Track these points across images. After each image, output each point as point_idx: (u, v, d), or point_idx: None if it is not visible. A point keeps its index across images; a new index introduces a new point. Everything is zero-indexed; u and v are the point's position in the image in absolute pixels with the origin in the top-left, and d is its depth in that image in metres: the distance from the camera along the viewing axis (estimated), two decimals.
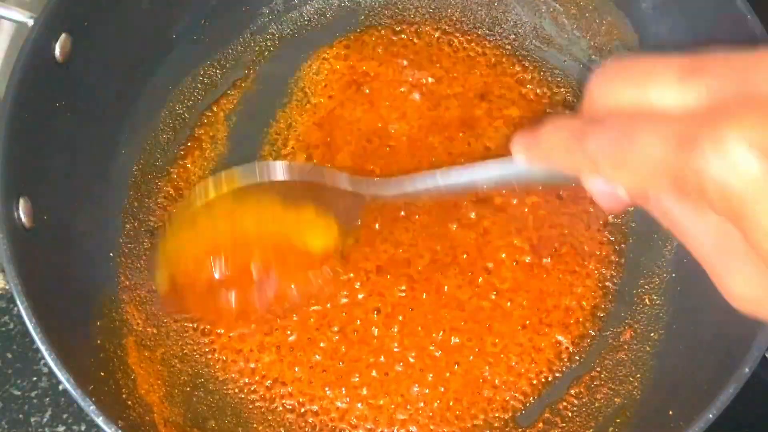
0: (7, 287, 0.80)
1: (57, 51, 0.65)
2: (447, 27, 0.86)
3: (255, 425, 0.71)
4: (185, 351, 0.73)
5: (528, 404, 0.71)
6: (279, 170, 0.61)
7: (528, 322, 0.74)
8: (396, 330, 0.73)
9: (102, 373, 0.64)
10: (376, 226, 0.74)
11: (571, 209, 0.77)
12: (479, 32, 0.86)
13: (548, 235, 0.76)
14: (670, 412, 0.60)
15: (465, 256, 0.75)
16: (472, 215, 0.76)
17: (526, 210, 0.77)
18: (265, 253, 0.63)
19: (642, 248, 0.76)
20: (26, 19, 0.64)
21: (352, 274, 0.73)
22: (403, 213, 0.75)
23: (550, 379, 0.72)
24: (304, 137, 0.81)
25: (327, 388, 0.72)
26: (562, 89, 0.83)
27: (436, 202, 0.75)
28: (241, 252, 0.63)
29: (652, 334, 0.71)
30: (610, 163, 0.35)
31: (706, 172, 0.30)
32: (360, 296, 0.74)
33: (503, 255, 0.75)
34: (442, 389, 0.72)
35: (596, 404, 0.71)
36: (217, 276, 0.63)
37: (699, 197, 0.31)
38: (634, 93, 0.36)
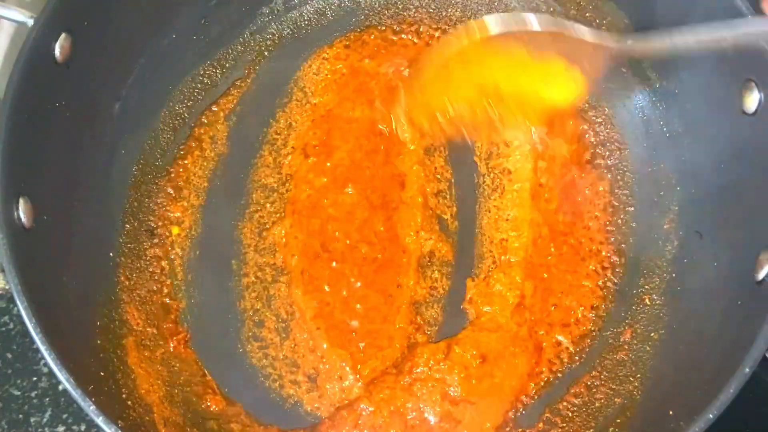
0: (7, 287, 0.80)
1: (57, 51, 0.65)
2: (447, 27, 0.86)
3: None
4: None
5: (528, 405, 0.72)
6: (529, 20, 0.62)
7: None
8: None
9: (102, 373, 0.64)
10: None
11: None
12: None
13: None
14: (670, 412, 0.60)
15: None
16: None
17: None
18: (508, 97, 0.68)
19: (642, 248, 0.76)
20: (26, 19, 0.64)
21: None
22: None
23: (550, 379, 0.72)
24: (304, 136, 0.82)
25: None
26: None
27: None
28: (484, 93, 0.68)
29: (652, 334, 0.71)
30: None
31: None
32: None
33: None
34: None
35: (596, 404, 0.71)
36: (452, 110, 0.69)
37: None
38: None
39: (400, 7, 0.87)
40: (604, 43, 0.63)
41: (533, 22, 0.62)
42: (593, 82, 0.66)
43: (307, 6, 0.87)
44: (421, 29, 0.86)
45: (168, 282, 0.76)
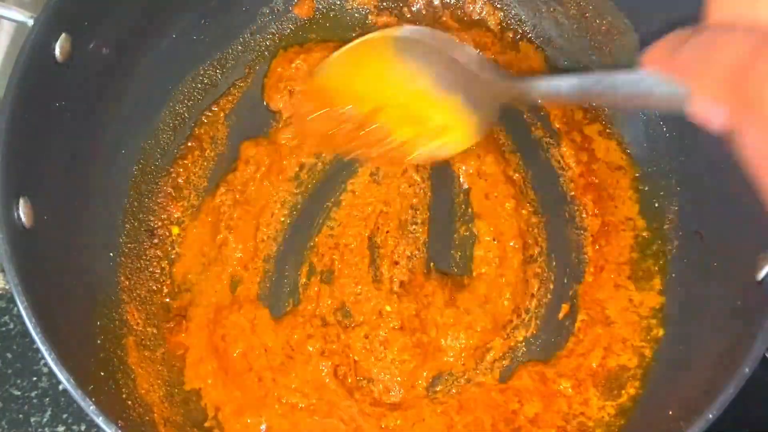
0: (7, 287, 0.80)
1: (57, 51, 0.65)
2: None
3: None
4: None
5: None
6: (436, 36, 0.63)
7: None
8: None
9: (102, 373, 0.64)
10: None
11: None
12: None
13: None
14: (670, 412, 0.60)
15: None
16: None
17: None
18: (399, 116, 0.67)
19: (642, 248, 0.76)
20: (26, 19, 0.64)
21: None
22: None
23: None
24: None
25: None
26: None
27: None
28: (380, 104, 0.68)
29: (652, 334, 0.71)
30: (697, 71, 0.38)
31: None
32: None
33: None
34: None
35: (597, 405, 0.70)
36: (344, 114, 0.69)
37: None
38: (755, 7, 0.38)
39: (400, 6, 0.87)
40: (498, 81, 0.62)
41: (439, 37, 0.63)
42: (481, 134, 0.67)
43: (308, 6, 0.86)
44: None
45: (168, 282, 0.76)
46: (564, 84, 0.55)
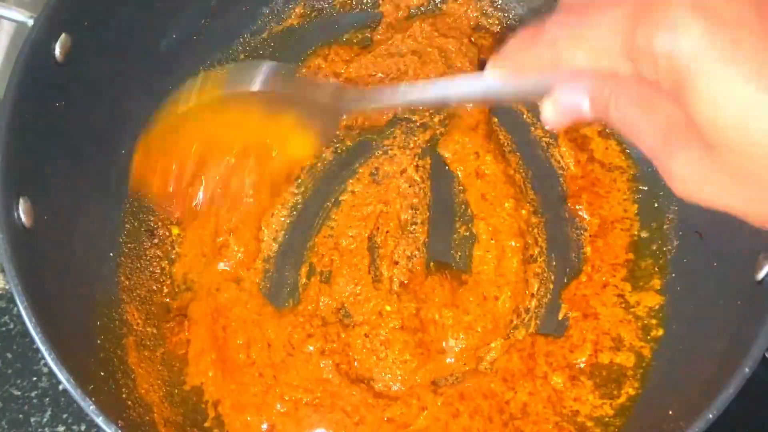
0: (7, 287, 0.80)
1: (57, 51, 0.65)
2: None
3: None
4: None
5: None
6: (260, 80, 0.59)
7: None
8: None
9: (102, 373, 0.64)
10: None
11: None
12: None
13: None
14: (670, 412, 0.60)
15: None
16: None
17: None
18: (240, 155, 0.63)
19: (641, 248, 0.76)
20: (26, 19, 0.64)
21: None
22: None
23: None
24: None
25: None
26: None
27: None
28: (217, 150, 0.63)
29: (652, 334, 0.71)
30: (569, 43, 0.38)
31: (655, 38, 0.33)
32: None
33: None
34: None
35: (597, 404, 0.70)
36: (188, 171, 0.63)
37: (651, 68, 0.34)
38: None
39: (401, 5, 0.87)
40: (337, 104, 0.59)
41: (263, 82, 0.59)
42: (327, 138, 0.67)
43: (308, 6, 0.87)
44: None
45: (168, 282, 0.76)
46: (402, 96, 0.54)
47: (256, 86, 0.59)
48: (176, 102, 0.62)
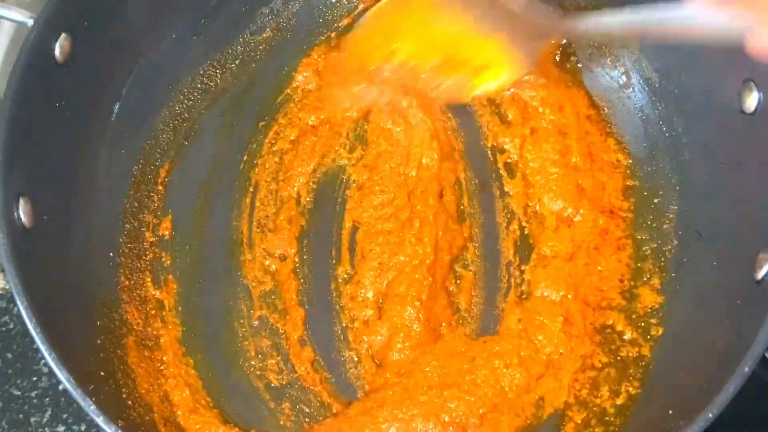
0: (7, 287, 0.80)
1: (57, 51, 0.65)
2: None
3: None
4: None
5: None
6: None
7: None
8: None
9: (102, 373, 0.64)
10: None
11: None
12: None
13: None
14: (670, 412, 0.60)
15: None
16: None
17: None
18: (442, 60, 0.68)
19: (642, 248, 0.76)
20: (26, 19, 0.64)
21: None
22: None
23: None
24: (303, 132, 0.82)
25: None
26: None
27: None
28: (423, 47, 0.68)
29: (651, 334, 0.71)
30: None
31: None
32: None
33: None
34: None
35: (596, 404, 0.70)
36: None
37: None
38: None
39: None
40: (535, 17, 0.63)
41: None
42: (531, 62, 0.67)
43: (307, 5, 0.87)
44: None
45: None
46: (613, 21, 0.56)
47: None
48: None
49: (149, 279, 0.75)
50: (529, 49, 0.65)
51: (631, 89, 0.80)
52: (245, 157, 0.81)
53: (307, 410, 0.71)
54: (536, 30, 0.63)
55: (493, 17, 0.63)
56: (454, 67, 0.69)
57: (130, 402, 0.65)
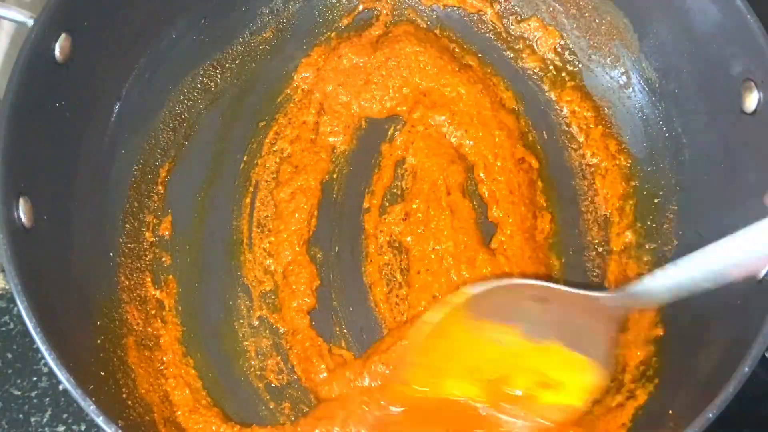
0: (7, 287, 0.80)
1: (57, 51, 0.65)
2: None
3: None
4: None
5: None
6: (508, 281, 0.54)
7: None
8: None
9: (102, 373, 0.64)
10: None
11: None
12: None
13: None
14: (670, 412, 0.60)
15: None
16: None
17: None
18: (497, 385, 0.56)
19: (642, 248, 0.76)
20: (26, 19, 0.64)
21: None
22: None
23: None
24: (303, 132, 0.82)
25: None
26: None
27: None
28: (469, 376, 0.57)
29: (652, 334, 0.71)
30: None
31: None
32: None
33: None
34: None
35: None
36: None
37: None
38: None
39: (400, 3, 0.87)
40: (591, 300, 0.53)
41: (512, 280, 0.55)
42: (606, 364, 0.56)
43: (307, 5, 0.87)
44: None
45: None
46: (672, 282, 0.50)
47: (509, 281, 0.55)
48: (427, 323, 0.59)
49: (149, 279, 0.75)
50: (602, 348, 0.55)
51: (631, 89, 0.81)
52: (245, 157, 0.81)
53: (307, 410, 0.71)
54: (598, 321, 0.53)
55: (543, 322, 0.54)
56: (516, 399, 0.58)
57: (130, 402, 0.65)
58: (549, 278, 0.74)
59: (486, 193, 0.78)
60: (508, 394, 0.56)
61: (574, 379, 0.55)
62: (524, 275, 0.73)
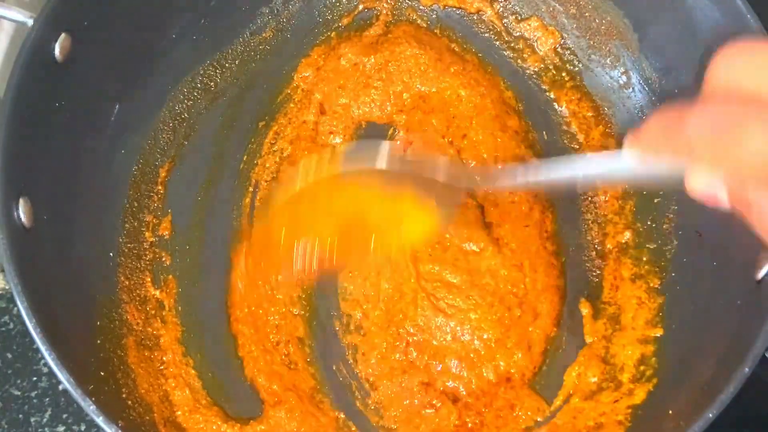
0: (7, 287, 0.80)
1: (57, 51, 0.65)
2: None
3: None
4: None
5: None
6: (381, 158, 0.59)
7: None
8: None
9: (102, 373, 0.64)
10: None
11: None
12: None
13: None
14: (670, 412, 0.60)
15: None
16: None
17: None
18: (362, 233, 0.64)
19: (642, 248, 0.76)
20: (26, 19, 0.64)
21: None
22: None
23: None
24: (303, 132, 0.82)
25: None
26: None
27: None
28: (335, 226, 0.64)
29: (652, 334, 0.71)
30: (709, 153, 0.34)
31: None
32: None
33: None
34: None
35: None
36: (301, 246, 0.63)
37: None
38: (757, 75, 0.34)
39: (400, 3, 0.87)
40: (456, 184, 0.59)
41: (384, 160, 0.58)
42: (449, 215, 0.63)
43: (307, 5, 0.87)
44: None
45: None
46: (532, 175, 0.54)
47: (379, 164, 0.58)
48: (293, 180, 0.62)
49: (149, 279, 0.75)
50: (445, 201, 0.61)
51: (631, 89, 0.80)
52: (245, 157, 0.81)
53: None
54: (440, 186, 0.59)
55: (395, 181, 0.60)
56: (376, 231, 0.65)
57: (130, 402, 0.65)
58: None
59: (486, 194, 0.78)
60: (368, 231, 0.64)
61: (418, 221, 0.62)
62: None
